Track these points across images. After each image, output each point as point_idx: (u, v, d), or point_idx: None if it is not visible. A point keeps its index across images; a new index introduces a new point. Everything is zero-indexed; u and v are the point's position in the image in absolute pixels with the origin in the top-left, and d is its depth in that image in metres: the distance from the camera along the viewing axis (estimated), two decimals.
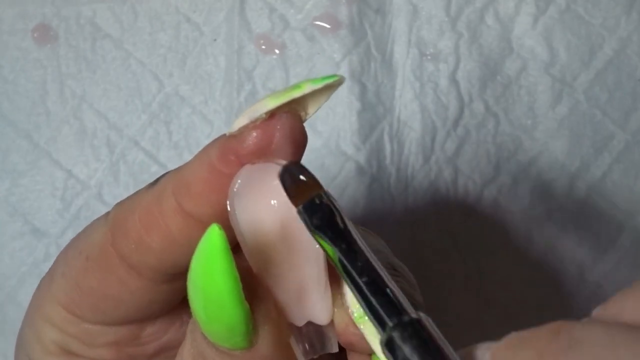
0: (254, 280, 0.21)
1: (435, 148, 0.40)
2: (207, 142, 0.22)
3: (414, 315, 0.17)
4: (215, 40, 0.41)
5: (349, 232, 0.18)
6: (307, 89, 0.20)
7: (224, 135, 0.21)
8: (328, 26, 0.40)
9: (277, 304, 0.21)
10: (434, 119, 0.40)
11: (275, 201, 0.20)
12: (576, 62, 0.40)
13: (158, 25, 0.41)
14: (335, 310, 0.21)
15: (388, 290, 0.17)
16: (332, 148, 0.40)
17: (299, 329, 0.21)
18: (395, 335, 0.16)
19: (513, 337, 0.16)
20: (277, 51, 0.40)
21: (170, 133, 0.40)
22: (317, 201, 0.19)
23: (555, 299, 0.40)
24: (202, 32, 0.41)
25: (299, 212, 0.19)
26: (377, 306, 0.17)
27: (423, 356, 0.16)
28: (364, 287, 0.17)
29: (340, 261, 0.18)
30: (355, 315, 0.20)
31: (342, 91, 0.40)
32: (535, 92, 0.40)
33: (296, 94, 0.20)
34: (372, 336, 0.19)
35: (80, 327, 0.25)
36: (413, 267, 0.40)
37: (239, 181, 0.20)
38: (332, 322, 0.21)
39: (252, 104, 0.40)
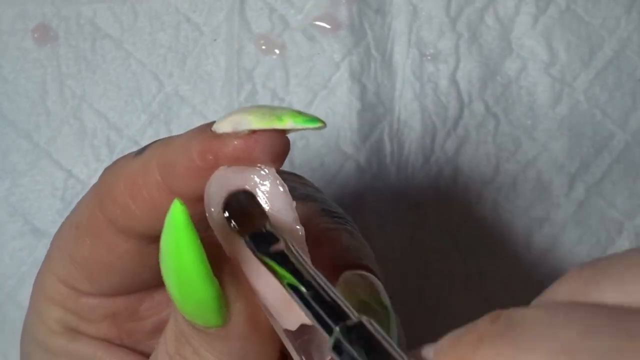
0: (223, 257, 0.21)
1: (435, 148, 0.40)
2: None
3: (356, 319, 0.18)
4: (215, 40, 0.41)
5: (293, 255, 0.20)
6: (287, 124, 0.20)
7: (210, 125, 0.21)
8: (328, 26, 0.40)
9: (267, 309, 0.21)
10: (434, 119, 0.40)
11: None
12: (576, 62, 0.40)
13: (158, 25, 0.41)
14: None
15: (330, 300, 0.19)
16: (332, 147, 0.40)
17: (292, 333, 0.21)
18: (341, 338, 0.18)
19: (455, 330, 0.17)
20: (277, 51, 0.41)
21: (170, 133, 0.40)
22: (264, 230, 0.20)
23: None
24: (202, 32, 0.41)
25: (246, 242, 0.20)
26: (323, 314, 0.19)
27: (368, 354, 0.17)
28: (310, 300, 0.19)
29: (286, 278, 0.20)
30: None
31: (342, 91, 0.40)
32: (535, 92, 0.40)
33: (277, 125, 0.20)
34: None
35: (79, 301, 0.25)
36: (413, 267, 0.40)
37: (213, 184, 0.21)
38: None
39: (252, 104, 0.40)
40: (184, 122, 0.40)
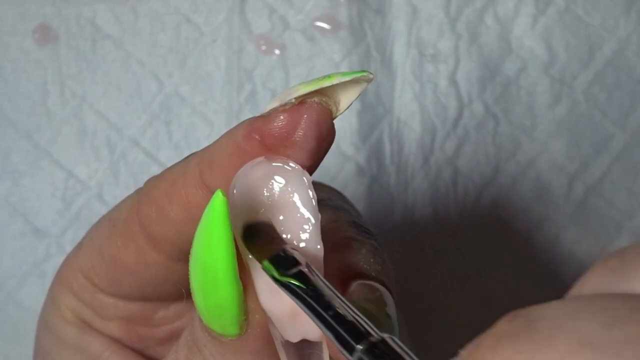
0: (247, 268, 0.21)
1: (435, 148, 0.40)
2: (207, 142, 0.23)
3: (378, 337, 0.18)
4: (215, 40, 0.41)
5: (312, 274, 0.20)
6: (335, 80, 0.20)
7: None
8: (328, 27, 0.41)
9: (270, 318, 0.21)
10: (434, 119, 0.40)
11: (270, 200, 0.20)
12: (575, 62, 0.40)
13: (158, 25, 0.41)
14: None
15: (351, 319, 0.18)
16: (332, 148, 0.40)
17: (292, 345, 0.21)
18: (364, 356, 0.17)
19: (475, 339, 0.16)
20: (277, 52, 0.41)
21: (170, 133, 0.40)
22: (282, 254, 0.20)
23: (555, 299, 0.40)
24: (202, 32, 0.41)
25: (265, 266, 0.20)
26: (344, 334, 0.18)
27: None
28: (331, 320, 0.19)
29: (306, 302, 0.19)
30: None
31: None
32: (535, 93, 0.40)
33: (325, 83, 0.20)
34: None
35: (95, 296, 0.25)
36: (413, 267, 0.40)
37: (237, 186, 0.20)
38: (324, 339, 0.21)
39: (252, 104, 0.40)
40: (184, 123, 0.40)
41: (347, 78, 0.20)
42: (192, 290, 0.20)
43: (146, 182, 0.24)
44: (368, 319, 0.19)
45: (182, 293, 0.26)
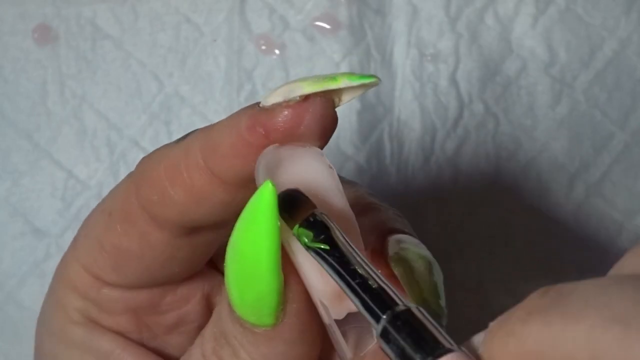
0: (286, 254, 0.20)
1: (435, 148, 0.40)
2: None
3: (404, 306, 0.18)
4: (215, 40, 0.41)
5: (341, 242, 0.20)
6: (342, 83, 0.20)
7: (257, 104, 0.21)
8: (328, 27, 0.40)
9: (317, 299, 0.21)
10: (434, 119, 0.40)
11: (312, 179, 0.21)
12: (576, 62, 0.40)
13: (158, 25, 0.41)
14: None
15: (378, 288, 0.18)
16: (332, 148, 0.40)
17: (339, 322, 0.21)
18: (389, 326, 0.17)
19: (505, 312, 0.16)
20: (277, 51, 0.41)
21: (170, 133, 0.40)
22: (312, 219, 0.20)
23: None
24: (202, 32, 0.41)
25: (296, 232, 0.20)
26: (370, 302, 0.18)
27: (416, 341, 0.17)
28: (357, 288, 0.19)
29: (334, 268, 0.19)
30: None
31: None
32: (535, 93, 0.40)
33: (332, 85, 0.20)
34: None
35: (101, 292, 0.25)
36: None
37: (261, 165, 0.21)
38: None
39: (250, 102, 0.40)
40: (184, 123, 0.40)
41: (355, 83, 0.20)
42: (227, 283, 0.20)
43: (139, 164, 0.24)
44: (409, 283, 0.20)
45: (188, 269, 0.25)
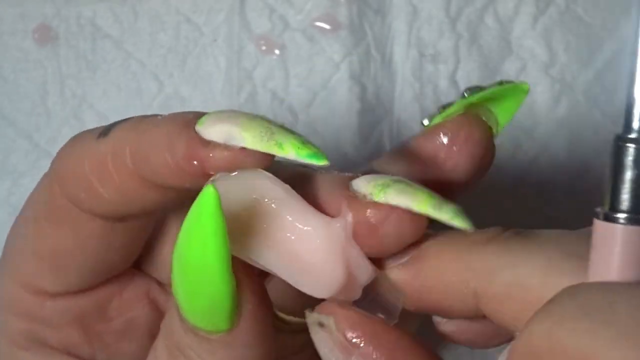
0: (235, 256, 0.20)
1: None
2: None
3: None
4: (215, 40, 0.41)
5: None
6: (289, 154, 0.20)
7: (193, 123, 0.20)
8: (328, 27, 0.40)
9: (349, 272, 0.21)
10: None
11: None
12: (576, 62, 0.40)
13: (158, 25, 0.41)
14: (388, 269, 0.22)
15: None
16: (332, 148, 0.40)
17: (361, 302, 0.21)
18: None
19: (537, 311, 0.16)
20: (277, 52, 0.41)
21: None
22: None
23: None
24: (202, 32, 0.41)
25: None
26: None
27: None
28: None
29: None
30: None
31: (342, 92, 0.40)
32: (535, 93, 0.40)
33: (276, 152, 0.20)
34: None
35: (44, 306, 0.24)
36: None
37: (224, 195, 0.20)
38: (384, 280, 0.22)
39: (252, 104, 0.40)
40: None
41: (302, 160, 0.20)
42: (175, 294, 0.20)
43: (55, 161, 0.23)
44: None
45: (128, 260, 0.25)
